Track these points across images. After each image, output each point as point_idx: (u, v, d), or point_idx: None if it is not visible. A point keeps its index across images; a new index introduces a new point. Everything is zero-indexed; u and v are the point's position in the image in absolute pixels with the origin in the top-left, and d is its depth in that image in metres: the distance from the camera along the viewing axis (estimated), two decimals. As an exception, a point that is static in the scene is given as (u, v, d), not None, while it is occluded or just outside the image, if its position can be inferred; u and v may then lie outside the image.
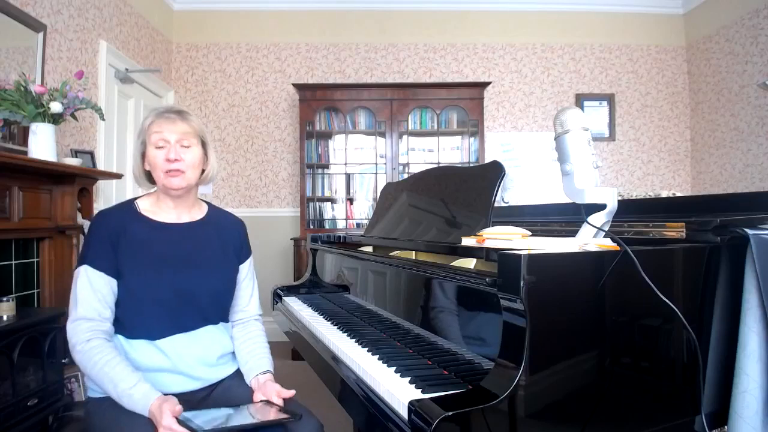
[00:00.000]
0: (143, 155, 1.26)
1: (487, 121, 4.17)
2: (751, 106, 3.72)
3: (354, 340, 1.22)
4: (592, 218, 1.01)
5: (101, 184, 3.04)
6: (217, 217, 1.39)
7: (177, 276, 1.22)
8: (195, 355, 1.23)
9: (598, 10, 4.39)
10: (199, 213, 1.36)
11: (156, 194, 1.31)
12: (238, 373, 1.34)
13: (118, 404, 1.14)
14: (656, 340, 0.89)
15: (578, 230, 1.04)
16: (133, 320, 1.19)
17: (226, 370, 1.32)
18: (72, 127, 2.77)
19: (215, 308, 1.30)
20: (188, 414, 1.05)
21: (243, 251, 1.40)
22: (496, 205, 1.18)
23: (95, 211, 2.66)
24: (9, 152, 2.09)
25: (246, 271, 1.39)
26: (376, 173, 4.02)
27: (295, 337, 1.56)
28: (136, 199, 1.32)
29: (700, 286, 0.94)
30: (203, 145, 1.30)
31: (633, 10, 4.38)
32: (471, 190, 1.28)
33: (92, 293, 1.16)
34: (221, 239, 1.34)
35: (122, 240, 1.21)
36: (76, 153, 2.71)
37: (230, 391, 1.27)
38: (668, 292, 0.86)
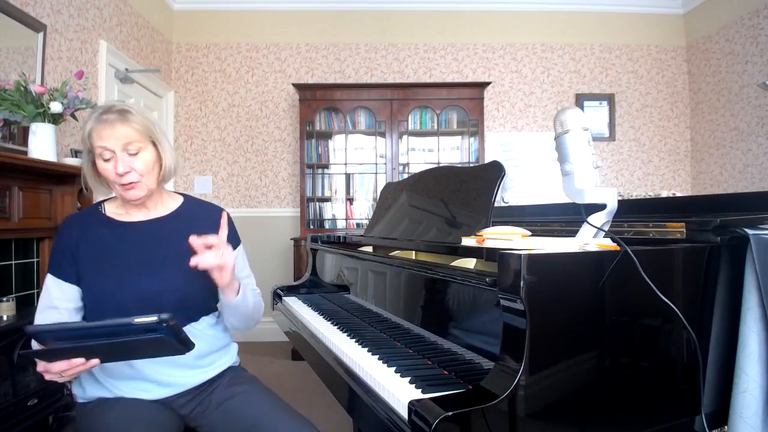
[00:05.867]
0: (94, 163, 1.17)
1: (487, 121, 4.17)
2: (751, 106, 3.72)
3: (354, 340, 1.21)
4: (592, 218, 1.01)
5: (101, 184, 3.04)
6: (191, 209, 1.30)
7: (136, 279, 1.16)
8: (165, 361, 1.16)
9: (598, 10, 4.39)
10: (171, 207, 1.29)
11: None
12: (226, 374, 1.28)
13: (107, 408, 1.13)
14: (656, 340, 0.89)
15: (578, 230, 1.04)
16: None
17: (209, 372, 1.25)
18: (72, 127, 2.77)
19: (183, 309, 1.18)
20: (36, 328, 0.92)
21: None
22: (496, 205, 1.17)
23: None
24: (9, 152, 2.09)
25: (229, 248, 1.19)
26: (376, 173, 4.02)
27: (295, 337, 1.56)
28: (104, 201, 1.27)
29: (700, 286, 0.94)
30: (155, 142, 1.19)
31: (633, 10, 4.38)
32: (471, 190, 1.28)
33: (50, 301, 1.15)
34: (192, 232, 1.13)
35: (82, 246, 1.17)
36: (76, 153, 2.71)
37: (224, 397, 1.22)
38: (668, 292, 0.86)
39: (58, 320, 1.13)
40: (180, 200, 1.32)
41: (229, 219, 1.27)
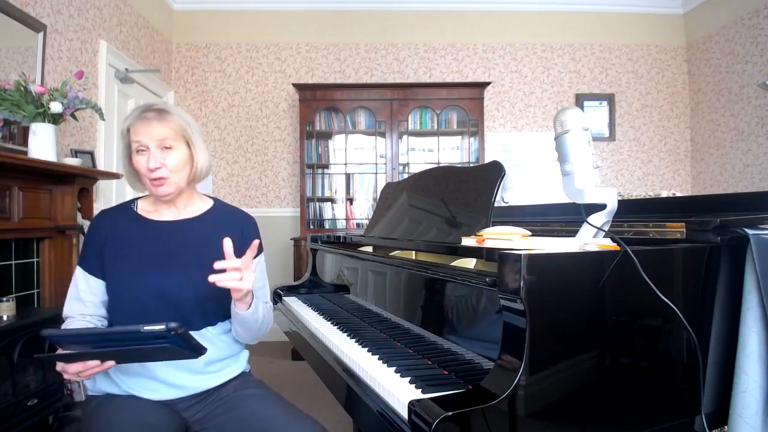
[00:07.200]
0: (130, 157, 1.21)
1: (487, 121, 4.17)
2: (751, 106, 3.72)
3: (354, 340, 1.21)
4: (592, 218, 1.01)
5: (101, 184, 3.04)
6: (220, 213, 1.32)
7: (156, 277, 1.17)
8: (175, 364, 1.17)
9: (598, 10, 4.39)
10: (201, 209, 1.31)
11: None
12: (238, 380, 1.28)
13: (109, 407, 1.13)
14: (656, 340, 0.89)
15: (578, 230, 1.04)
16: (116, 323, 1.19)
17: (218, 378, 1.24)
18: (72, 127, 2.77)
19: (200, 312, 1.21)
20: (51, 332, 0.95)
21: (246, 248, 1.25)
22: (496, 205, 1.17)
23: (95, 211, 2.67)
24: (9, 152, 2.09)
25: (252, 269, 1.24)
26: (376, 173, 4.02)
27: (295, 337, 1.56)
28: (138, 198, 1.31)
29: (700, 286, 0.94)
30: (189, 143, 1.22)
31: (633, 10, 4.39)
32: (471, 190, 1.28)
33: (77, 293, 1.19)
34: (219, 236, 1.13)
35: (110, 241, 1.20)
36: (76, 153, 2.71)
37: (231, 399, 1.22)
38: (668, 292, 0.86)
39: (82, 312, 1.18)
40: (210, 203, 1.35)
41: (254, 226, 1.34)
